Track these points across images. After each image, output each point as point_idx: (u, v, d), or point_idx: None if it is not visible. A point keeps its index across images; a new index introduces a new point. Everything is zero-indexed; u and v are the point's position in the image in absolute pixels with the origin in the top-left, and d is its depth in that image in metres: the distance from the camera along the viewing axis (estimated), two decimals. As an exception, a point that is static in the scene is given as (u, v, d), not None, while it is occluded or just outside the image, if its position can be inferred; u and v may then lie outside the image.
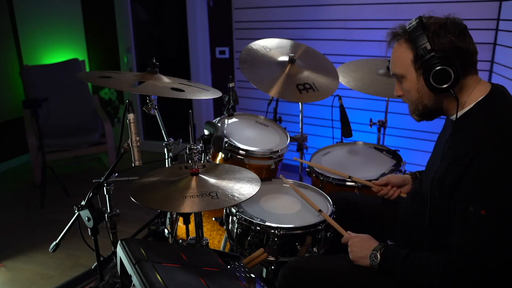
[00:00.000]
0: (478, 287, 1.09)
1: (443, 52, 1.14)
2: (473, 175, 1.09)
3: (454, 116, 1.23)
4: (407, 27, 1.20)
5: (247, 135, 2.11)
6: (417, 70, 1.20)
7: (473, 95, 1.20)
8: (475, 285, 1.09)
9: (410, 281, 1.19)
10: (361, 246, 1.31)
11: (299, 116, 2.45)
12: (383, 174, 1.96)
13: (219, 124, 2.05)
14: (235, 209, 1.58)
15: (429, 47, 1.15)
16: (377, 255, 1.24)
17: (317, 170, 2.01)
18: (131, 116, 1.40)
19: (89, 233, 1.62)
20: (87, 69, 4.52)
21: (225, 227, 1.69)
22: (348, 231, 1.42)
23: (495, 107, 1.16)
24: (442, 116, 1.32)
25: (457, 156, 1.13)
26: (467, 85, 1.20)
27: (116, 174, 1.64)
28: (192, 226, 1.59)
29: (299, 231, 1.50)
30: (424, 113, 1.27)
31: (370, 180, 1.73)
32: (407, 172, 1.76)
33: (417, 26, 1.17)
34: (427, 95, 1.22)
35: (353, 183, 1.88)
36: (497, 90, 1.21)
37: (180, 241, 2.05)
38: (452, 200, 1.15)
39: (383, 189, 1.66)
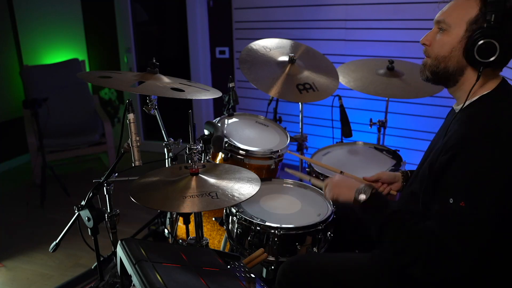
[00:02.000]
0: (453, 279, 1.08)
1: (504, 33, 1.10)
2: (457, 166, 1.07)
3: (460, 106, 1.21)
4: None
5: (247, 135, 2.11)
6: (468, 31, 1.14)
7: (484, 87, 1.18)
8: (450, 276, 1.07)
9: (384, 239, 1.16)
10: (345, 180, 1.32)
11: (299, 116, 2.45)
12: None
13: (219, 124, 2.05)
14: (235, 209, 1.58)
15: (500, 19, 1.08)
16: (367, 191, 1.22)
17: (316, 170, 2.01)
18: (131, 116, 1.40)
19: (89, 233, 1.62)
20: (87, 69, 4.52)
21: (225, 227, 1.69)
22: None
23: (498, 104, 1.15)
24: (441, 116, 1.32)
25: (446, 144, 1.12)
26: (488, 75, 1.17)
27: (116, 174, 1.64)
28: (192, 226, 1.59)
29: (299, 231, 1.50)
30: (439, 74, 1.21)
31: (362, 177, 1.73)
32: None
33: None
34: (456, 59, 1.17)
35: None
36: (505, 87, 1.19)
37: (180, 241, 2.05)
38: (436, 190, 1.13)
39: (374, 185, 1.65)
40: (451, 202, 1.07)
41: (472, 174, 1.06)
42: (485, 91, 1.18)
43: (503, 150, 1.06)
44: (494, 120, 1.11)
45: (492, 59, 1.11)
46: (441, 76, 1.22)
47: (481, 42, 1.10)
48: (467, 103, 1.20)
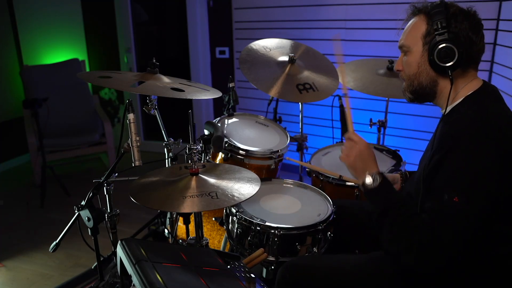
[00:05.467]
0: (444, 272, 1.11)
1: (455, 34, 1.16)
2: (449, 163, 1.10)
3: (444, 110, 1.25)
4: (429, 4, 1.23)
5: (247, 135, 2.11)
6: (425, 44, 1.22)
7: (466, 89, 1.22)
8: (439, 265, 1.10)
9: (383, 225, 1.18)
10: (362, 155, 1.31)
11: (299, 116, 2.45)
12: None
13: (219, 124, 2.05)
14: (235, 209, 1.58)
15: (444, 24, 1.17)
16: (377, 180, 1.24)
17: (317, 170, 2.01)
18: (131, 116, 1.40)
19: (89, 233, 1.62)
20: (87, 69, 4.52)
21: (225, 227, 1.69)
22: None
23: (483, 102, 1.18)
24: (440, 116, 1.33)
25: (438, 146, 1.15)
26: (465, 77, 1.22)
27: (116, 174, 1.64)
28: (192, 226, 1.59)
29: (299, 231, 1.50)
30: (417, 91, 1.28)
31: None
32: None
33: (439, 4, 1.20)
34: (425, 72, 1.24)
35: (353, 183, 1.89)
36: (487, 87, 1.23)
37: (180, 241, 2.05)
38: (430, 189, 1.15)
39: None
40: (445, 198, 1.09)
41: (463, 169, 1.09)
42: (467, 92, 1.22)
43: (492, 144, 1.08)
44: (479, 116, 1.14)
45: (453, 61, 1.16)
46: (420, 92, 1.28)
47: (438, 48, 1.17)
48: (449, 108, 1.23)
